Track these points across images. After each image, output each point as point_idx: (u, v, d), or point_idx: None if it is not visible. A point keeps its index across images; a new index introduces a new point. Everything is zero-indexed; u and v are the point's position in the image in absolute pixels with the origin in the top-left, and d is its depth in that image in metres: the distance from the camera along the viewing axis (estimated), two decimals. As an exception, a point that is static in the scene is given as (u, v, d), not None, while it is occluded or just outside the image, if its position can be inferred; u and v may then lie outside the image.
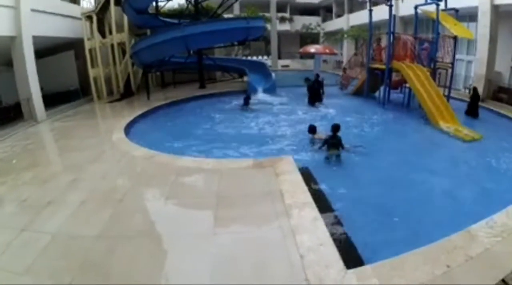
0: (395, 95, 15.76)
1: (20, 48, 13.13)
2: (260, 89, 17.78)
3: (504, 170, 7.74)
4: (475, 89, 13.55)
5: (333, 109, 14.03)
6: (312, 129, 9.31)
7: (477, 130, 10.52)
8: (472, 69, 18.17)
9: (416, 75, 12.82)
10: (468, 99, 13.67)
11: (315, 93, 15.05)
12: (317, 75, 16.09)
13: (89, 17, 18.29)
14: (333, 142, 8.26)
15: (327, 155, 8.28)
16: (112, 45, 18.94)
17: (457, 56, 15.30)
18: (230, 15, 27.83)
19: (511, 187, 6.62)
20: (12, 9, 12.76)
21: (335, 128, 8.28)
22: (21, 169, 7.81)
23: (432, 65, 14.19)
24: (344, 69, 20.34)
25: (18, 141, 10.66)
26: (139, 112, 13.64)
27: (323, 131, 9.48)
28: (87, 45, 17.86)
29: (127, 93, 18.91)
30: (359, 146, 8.78)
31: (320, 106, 14.75)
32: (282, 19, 37.58)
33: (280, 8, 37.33)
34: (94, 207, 5.50)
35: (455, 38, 13.99)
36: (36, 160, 8.65)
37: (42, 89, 14.56)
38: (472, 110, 13.04)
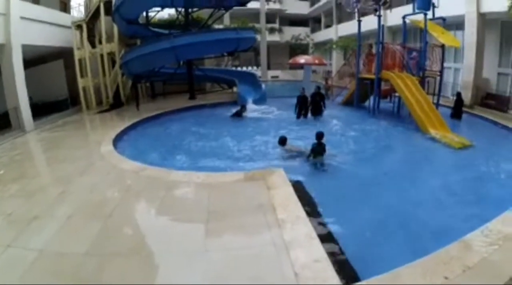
0: (385, 104, 15.93)
1: (9, 56, 13.02)
2: (250, 100, 17.77)
3: (494, 175, 7.97)
4: (458, 94, 14.59)
5: (327, 121, 13.73)
6: (282, 141, 9.44)
7: (467, 136, 10.74)
8: (460, 76, 18.51)
9: (405, 84, 13.01)
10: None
11: (315, 106, 14.46)
12: (318, 87, 15.66)
13: (79, 26, 18.23)
14: (319, 149, 8.56)
15: (312, 161, 8.55)
16: (101, 55, 18.87)
17: (445, 64, 15.61)
18: (221, 26, 27.95)
19: (503, 193, 6.73)
20: (2, 16, 12.65)
21: (320, 135, 8.63)
22: (8, 181, 7.66)
23: (421, 74, 14.40)
24: (326, 79, 20.44)
25: (5, 151, 10.48)
26: (128, 123, 13.53)
27: (293, 144, 9.66)
28: (77, 54, 17.77)
29: (116, 104, 18.80)
30: (334, 155, 9.04)
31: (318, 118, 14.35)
32: (272, 30, 38.02)
33: (270, 19, 37.80)
34: (83, 222, 5.39)
35: (442, 46, 14.22)
36: (23, 171, 8.51)
37: (31, 98, 14.42)
38: (456, 113, 14.14)
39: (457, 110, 14.19)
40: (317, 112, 14.48)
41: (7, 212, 5.81)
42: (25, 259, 4.31)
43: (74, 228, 5.20)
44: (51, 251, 4.54)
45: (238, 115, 15.03)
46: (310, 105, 14.42)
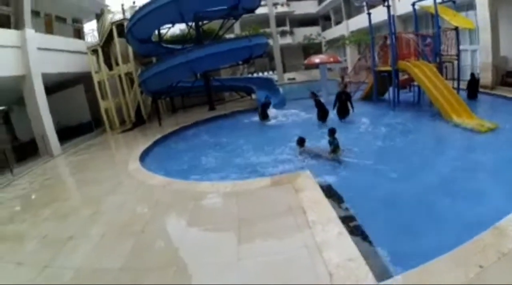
0: (405, 94, 15.64)
1: (31, 86, 13.55)
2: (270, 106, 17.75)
3: None
4: (472, 74, 14.84)
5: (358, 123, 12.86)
6: (301, 142, 9.41)
7: (491, 118, 10.43)
8: (477, 58, 17.94)
9: (423, 73, 12.68)
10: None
11: (342, 106, 13.33)
12: (345, 86, 14.88)
13: (94, 51, 18.75)
14: (336, 144, 8.69)
15: (333, 158, 8.60)
16: (119, 76, 19.32)
17: (461, 47, 15.14)
18: (232, 35, 28.13)
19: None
20: (19, 49, 13.16)
21: (333, 131, 8.82)
22: (40, 205, 7.92)
23: (437, 60, 14.07)
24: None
25: (36, 177, 10.82)
26: (152, 139, 13.65)
27: (311, 145, 9.60)
28: (95, 78, 18.27)
29: (138, 121, 19.16)
30: (349, 148, 9.07)
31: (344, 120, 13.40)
32: (283, 33, 38.04)
33: (280, 22, 37.80)
34: (116, 239, 5.47)
35: (456, 29, 13.90)
36: (54, 195, 8.75)
37: (58, 123, 14.80)
38: (472, 93, 14.38)
39: (472, 90, 14.41)
40: (344, 113, 13.35)
41: (42, 235, 5.97)
42: (63, 278, 4.41)
43: (108, 246, 5.28)
44: (87, 269, 4.63)
45: (264, 115, 14.95)
46: (335, 106, 13.49)
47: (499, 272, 3.29)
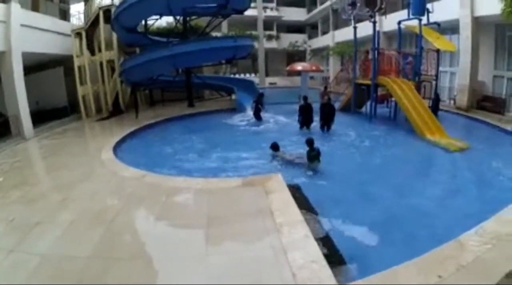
0: (382, 109, 16.09)
1: (9, 63, 13.13)
2: (248, 107, 17.89)
3: (489, 176, 8.26)
4: (436, 94, 15.59)
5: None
6: (275, 147, 9.60)
7: (464, 139, 11.05)
8: (456, 80, 18.68)
9: (401, 89, 13.17)
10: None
11: (324, 117, 12.99)
12: (329, 98, 14.26)
13: (78, 34, 18.37)
14: (314, 155, 8.69)
15: (309, 167, 8.67)
16: (101, 63, 19.00)
17: (440, 68, 15.85)
18: (218, 34, 28.16)
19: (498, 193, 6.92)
20: (2, 23, 12.78)
21: (311, 142, 8.75)
22: (9, 187, 7.76)
23: (416, 79, 14.56)
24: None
25: (6, 158, 10.59)
26: (127, 130, 13.57)
27: (285, 151, 9.79)
28: (76, 62, 17.91)
29: (116, 111, 18.92)
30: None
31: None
32: (269, 37, 38.45)
33: (267, 26, 38.23)
34: (85, 227, 5.47)
35: (438, 51, 14.41)
36: (24, 178, 8.61)
37: (37, 103, 14.55)
38: (434, 110, 14.37)
39: (434, 108, 14.87)
40: (328, 125, 13.06)
41: (9, 218, 5.89)
42: (29, 264, 4.40)
43: (76, 233, 5.28)
44: (54, 256, 4.63)
45: (258, 114, 15.07)
46: (322, 118, 13.07)
47: (456, 283, 3.56)
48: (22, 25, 13.67)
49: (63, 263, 4.47)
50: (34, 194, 7.22)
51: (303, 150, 8.99)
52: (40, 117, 15.96)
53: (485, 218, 4.89)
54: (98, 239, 5.00)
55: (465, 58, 16.47)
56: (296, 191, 6.70)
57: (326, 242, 4.85)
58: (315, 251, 4.26)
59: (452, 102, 18.27)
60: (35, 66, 16.87)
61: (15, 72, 13.22)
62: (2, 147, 11.96)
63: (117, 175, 8.20)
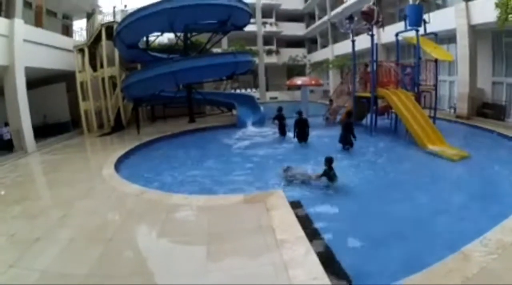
0: (383, 120, 16.07)
1: (12, 78, 13.33)
2: (249, 122, 17.94)
3: (491, 183, 8.20)
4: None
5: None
6: (285, 169, 9.19)
7: (465, 147, 11.04)
8: (455, 88, 18.81)
9: (401, 101, 13.18)
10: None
11: (346, 135, 12.07)
12: (349, 115, 13.79)
13: (81, 50, 18.62)
14: (333, 174, 8.27)
15: (328, 185, 8.25)
16: (103, 79, 19.18)
17: (439, 78, 15.95)
18: (219, 50, 28.42)
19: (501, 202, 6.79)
20: (6, 38, 12.96)
21: (331, 161, 8.26)
22: (10, 202, 7.82)
23: (416, 89, 14.52)
24: (331, 101, 19.17)
25: (8, 173, 10.66)
26: (129, 146, 13.58)
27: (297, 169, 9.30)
28: (79, 77, 18.12)
29: (117, 127, 19.05)
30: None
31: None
32: (269, 52, 38.83)
33: (267, 41, 38.71)
34: (84, 245, 5.48)
35: (436, 61, 14.50)
36: (26, 193, 8.65)
37: (45, 117, 14.61)
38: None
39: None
40: (348, 143, 12.10)
41: (10, 233, 5.93)
42: (28, 280, 4.41)
43: (75, 251, 5.29)
44: (53, 272, 4.64)
45: (283, 130, 14.68)
46: (343, 137, 12.13)
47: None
48: (25, 40, 13.92)
49: (61, 279, 4.46)
50: (35, 210, 7.26)
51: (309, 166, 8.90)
52: (43, 131, 16.06)
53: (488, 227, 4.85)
54: (98, 256, 4.99)
55: (463, 66, 16.72)
56: (297, 207, 6.65)
57: (328, 259, 4.78)
58: (317, 268, 4.21)
59: (452, 110, 18.41)
60: (38, 80, 17.03)
61: (18, 86, 13.42)
62: (4, 161, 12.03)
63: (117, 191, 8.21)
